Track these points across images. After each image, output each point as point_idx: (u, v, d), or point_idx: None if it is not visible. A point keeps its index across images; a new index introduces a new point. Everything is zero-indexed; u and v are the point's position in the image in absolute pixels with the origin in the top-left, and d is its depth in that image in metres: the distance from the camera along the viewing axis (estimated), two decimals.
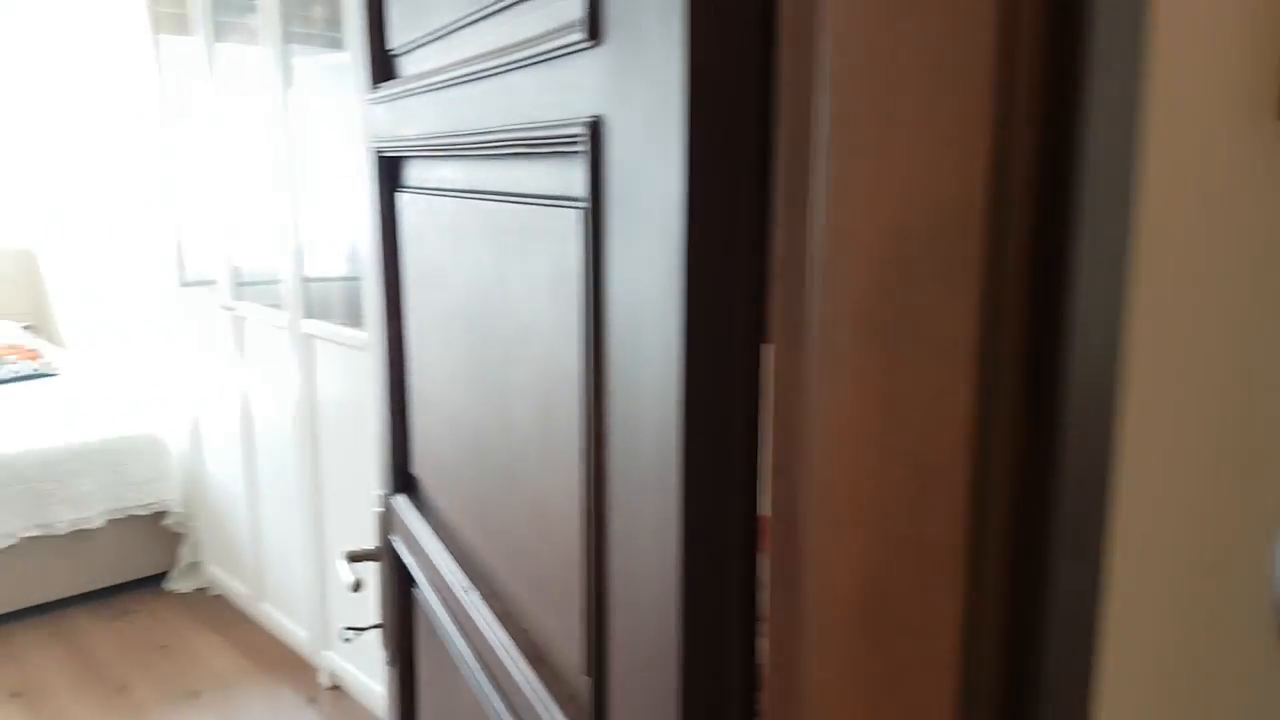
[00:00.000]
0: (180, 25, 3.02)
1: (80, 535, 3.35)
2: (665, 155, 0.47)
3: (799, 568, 0.43)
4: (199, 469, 3.36)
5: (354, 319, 2.50)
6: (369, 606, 2.57)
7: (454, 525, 1.04)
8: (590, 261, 0.57)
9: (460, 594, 0.97)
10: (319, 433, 2.66)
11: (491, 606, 0.91)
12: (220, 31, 2.85)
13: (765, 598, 0.47)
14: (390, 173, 1.07)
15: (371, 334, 2.34)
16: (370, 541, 2.45)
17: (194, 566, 3.53)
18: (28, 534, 3.21)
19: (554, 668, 0.75)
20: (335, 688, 2.88)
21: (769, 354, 0.47)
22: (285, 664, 3.00)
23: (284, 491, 2.89)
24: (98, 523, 3.33)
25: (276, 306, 2.72)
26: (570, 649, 0.70)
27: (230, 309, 2.92)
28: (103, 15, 3.66)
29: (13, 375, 4.19)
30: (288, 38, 2.49)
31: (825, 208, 0.39)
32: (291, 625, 2.98)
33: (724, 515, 0.50)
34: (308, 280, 2.63)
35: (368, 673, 2.66)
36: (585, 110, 0.55)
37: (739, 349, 0.49)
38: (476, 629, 0.92)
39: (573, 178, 0.60)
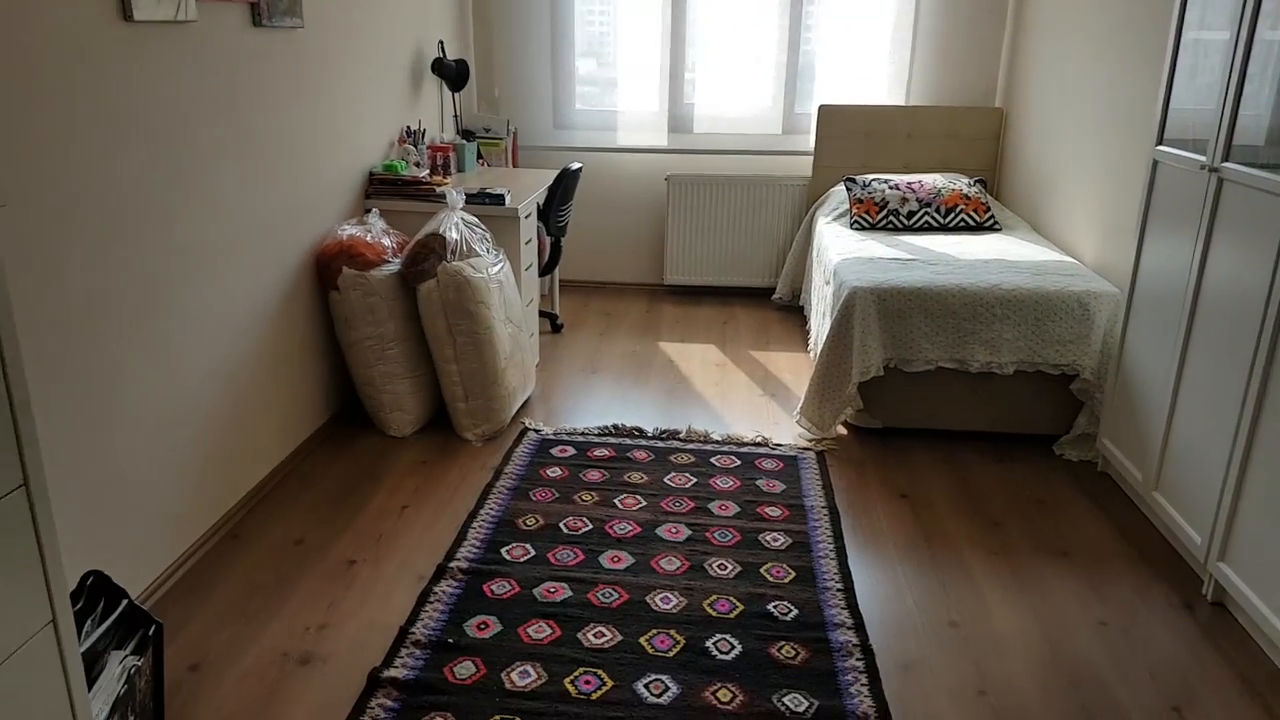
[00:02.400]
0: None
1: (987, 378, 3.60)
2: None
3: None
4: (1120, 340, 3.26)
5: None
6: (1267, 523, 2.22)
7: None
8: None
9: None
10: None
11: None
12: None
13: None
14: None
15: None
16: None
17: (1086, 438, 3.51)
18: (944, 364, 3.56)
19: None
20: (1218, 604, 2.60)
21: None
22: (1165, 560, 2.82)
23: (1217, 380, 2.62)
24: (1007, 370, 3.52)
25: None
26: None
27: (1214, 170, 2.66)
28: None
29: (959, 224, 4.62)
30: None
31: None
32: (1184, 524, 2.76)
33: None
34: None
35: (1267, 599, 2.32)
36: None
37: None
38: None
39: None
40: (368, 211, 3.82)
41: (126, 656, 1.72)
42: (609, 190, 5.64)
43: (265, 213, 3.08)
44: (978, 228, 4.62)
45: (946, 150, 5.28)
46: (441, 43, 4.73)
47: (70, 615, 1.41)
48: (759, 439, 3.61)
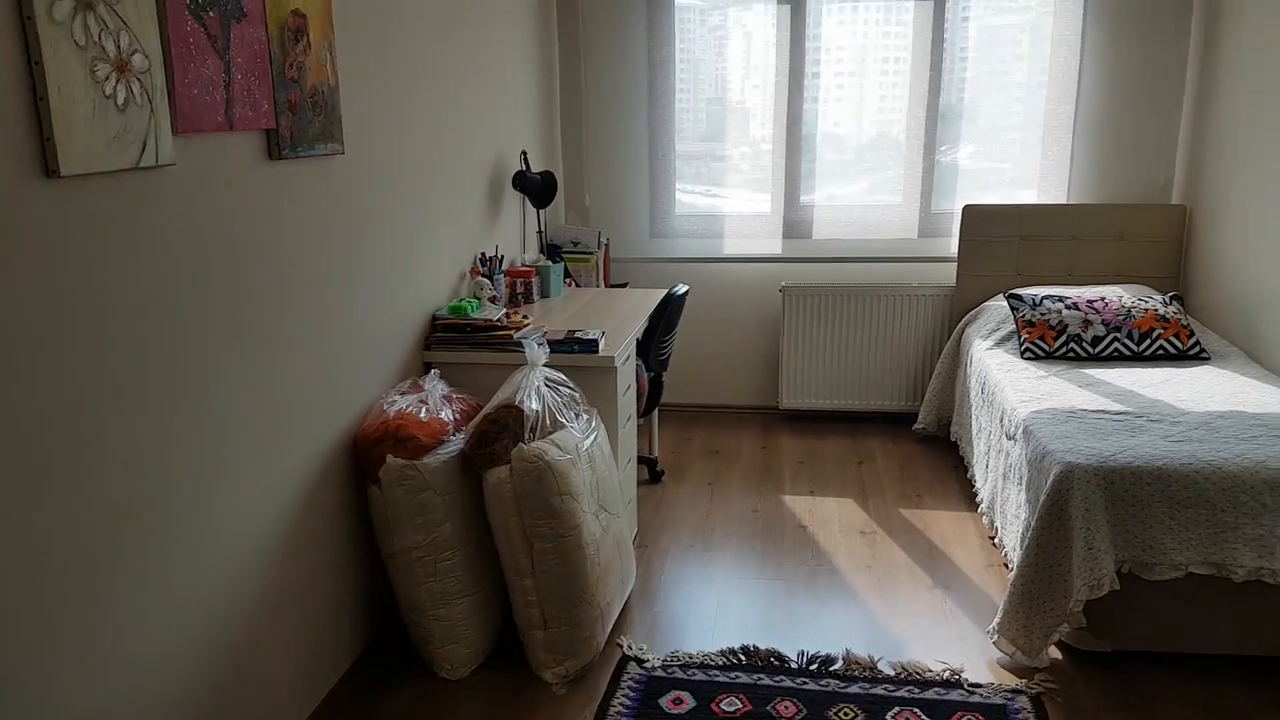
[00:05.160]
0: None
1: (1257, 589, 2.43)
2: None
3: None
4: None
5: None
6: None
7: None
8: None
9: None
10: None
11: None
12: None
13: None
14: None
15: None
16: None
17: None
18: (1196, 570, 2.40)
19: None
20: None
21: None
22: None
23: None
24: None
25: None
26: None
27: None
28: None
29: (1157, 352, 3.44)
30: None
31: None
32: None
33: None
34: None
35: None
36: None
37: None
38: None
39: None
40: (427, 369, 2.86)
41: None
42: (713, 303, 4.61)
43: (280, 401, 2.12)
44: (1180, 356, 3.44)
45: (1120, 255, 4.11)
46: (525, 154, 3.81)
47: None
48: (947, 673, 2.46)
